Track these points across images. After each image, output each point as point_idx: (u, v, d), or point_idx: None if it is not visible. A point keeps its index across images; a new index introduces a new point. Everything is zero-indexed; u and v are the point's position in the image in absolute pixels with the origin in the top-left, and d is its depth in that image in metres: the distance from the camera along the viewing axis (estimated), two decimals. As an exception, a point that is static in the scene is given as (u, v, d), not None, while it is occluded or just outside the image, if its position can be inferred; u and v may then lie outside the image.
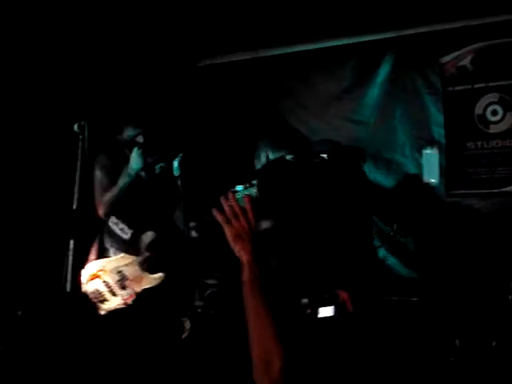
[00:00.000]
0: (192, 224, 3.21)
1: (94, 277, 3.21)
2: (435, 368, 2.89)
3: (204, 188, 3.37)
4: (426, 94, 4.40)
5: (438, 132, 4.35)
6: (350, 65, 4.69)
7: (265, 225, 2.78)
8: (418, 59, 4.44)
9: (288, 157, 3.22)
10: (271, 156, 3.37)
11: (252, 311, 1.58)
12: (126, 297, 3.14)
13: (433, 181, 4.33)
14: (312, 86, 4.83)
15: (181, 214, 3.28)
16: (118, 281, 3.18)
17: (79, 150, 3.24)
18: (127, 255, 3.26)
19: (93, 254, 3.34)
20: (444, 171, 4.30)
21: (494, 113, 4.18)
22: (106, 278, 3.19)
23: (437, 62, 4.36)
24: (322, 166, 3.27)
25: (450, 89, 4.31)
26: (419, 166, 4.39)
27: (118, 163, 3.36)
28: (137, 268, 3.21)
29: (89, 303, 3.37)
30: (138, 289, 3.19)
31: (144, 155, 3.26)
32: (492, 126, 4.19)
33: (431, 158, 4.35)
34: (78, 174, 3.22)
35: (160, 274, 3.21)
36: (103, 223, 3.39)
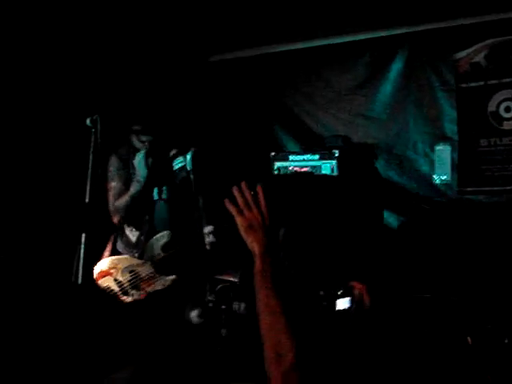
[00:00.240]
0: (209, 228, 3.14)
1: (106, 274, 3.16)
2: (447, 365, 2.88)
3: (216, 183, 3.35)
4: (439, 90, 4.38)
5: (451, 128, 4.33)
6: (363, 60, 4.67)
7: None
8: (431, 55, 4.41)
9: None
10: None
11: (263, 302, 1.57)
12: (137, 297, 3.10)
13: (445, 177, 4.31)
14: (324, 82, 4.82)
15: (199, 215, 3.25)
16: (130, 280, 3.12)
17: (91, 144, 3.25)
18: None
19: (107, 252, 3.32)
20: (456, 168, 4.28)
21: (508, 109, 4.15)
22: (117, 277, 3.13)
23: (450, 58, 4.33)
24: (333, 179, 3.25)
25: (464, 85, 4.29)
26: (431, 162, 4.37)
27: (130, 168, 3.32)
28: (150, 268, 3.14)
29: (101, 296, 3.39)
30: (150, 289, 3.12)
31: (147, 160, 3.23)
32: (505, 122, 4.16)
33: (443, 154, 4.33)
34: (90, 167, 3.23)
35: (173, 276, 3.13)
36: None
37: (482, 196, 4.21)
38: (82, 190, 3.23)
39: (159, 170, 3.30)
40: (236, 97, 4.94)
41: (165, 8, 4.14)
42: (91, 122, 3.22)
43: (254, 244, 1.62)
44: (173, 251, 3.16)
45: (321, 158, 4.35)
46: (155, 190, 3.30)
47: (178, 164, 3.34)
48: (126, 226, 3.33)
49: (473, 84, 4.28)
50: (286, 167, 4.47)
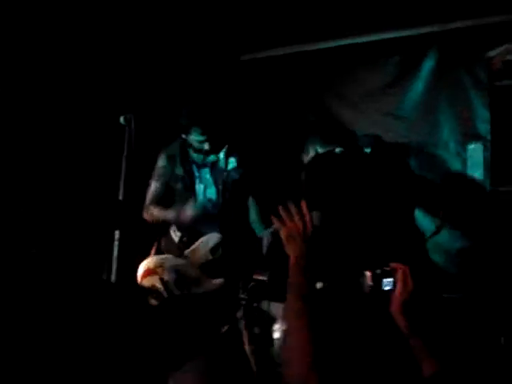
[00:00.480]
0: (266, 232, 3.09)
1: (152, 273, 3.16)
2: (481, 364, 2.86)
3: (269, 185, 3.30)
4: (471, 88, 4.32)
5: (484, 127, 4.27)
6: (394, 59, 4.64)
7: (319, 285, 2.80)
8: (463, 53, 4.36)
9: (337, 150, 3.19)
10: (320, 150, 3.33)
11: (289, 307, 1.60)
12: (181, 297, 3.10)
13: (477, 177, 4.26)
14: (355, 81, 4.80)
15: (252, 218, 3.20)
16: (176, 280, 3.10)
17: (125, 143, 3.29)
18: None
19: (153, 251, 3.32)
20: (489, 167, 4.23)
21: (542, 108, 4.10)
22: (163, 276, 3.13)
23: (483, 56, 4.28)
24: (369, 159, 3.22)
25: (497, 83, 4.23)
26: (463, 161, 4.33)
27: (186, 176, 3.27)
28: (197, 270, 3.12)
29: (136, 294, 3.43)
30: (196, 291, 3.11)
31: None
32: (540, 121, 4.11)
33: (476, 153, 4.28)
34: (123, 165, 3.26)
35: (221, 280, 3.10)
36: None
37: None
38: (116, 188, 3.28)
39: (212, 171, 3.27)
40: (267, 96, 4.94)
41: (198, 8, 4.18)
42: (125, 120, 3.26)
43: (290, 253, 1.68)
44: (222, 254, 3.13)
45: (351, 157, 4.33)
46: (200, 191, 3.27)
47: (230, 164, 3.30)
48: (170, 226, 3.33)
49: (506, 82, 4.22)
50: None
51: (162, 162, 3.38)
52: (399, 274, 1.81)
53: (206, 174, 3.30)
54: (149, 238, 3.47)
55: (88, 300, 3.31)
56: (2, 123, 3.51)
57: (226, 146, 3.29)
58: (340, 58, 4.78)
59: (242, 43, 4.87)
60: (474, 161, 4.28)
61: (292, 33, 4.62)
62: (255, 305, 3.18)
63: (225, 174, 3.29)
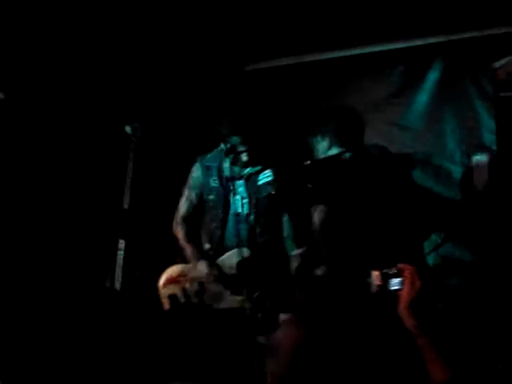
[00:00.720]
0: (297, 252, 3.02)
1: (174, 281, 3.13)
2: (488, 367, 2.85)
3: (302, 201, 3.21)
4: (476, 99, 4.32)
5: (490, 138, 4.26)
6: (398, 70, 4.64)
7: (319, 272, 2.77)
8: (468, 64, 4.36)
9: (347, 155, 3.15)
10: (333, 145, 3.24)
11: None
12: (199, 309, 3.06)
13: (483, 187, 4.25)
14: (359, 91, 4.80)
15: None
16: (197, 291, 3.06)
17: (131, 152, 3.30)
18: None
19: (179, 259, 3.27)
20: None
21: (547, 119, 4.09)
22: (185, 285, 3.10)
23: (489, 67, 4.28)
24: (376, 168, 3.19)
25: (503, 94, 4.23)
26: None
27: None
28: (220, 285, 3.06)
29: (140, 302, 3.42)
30: (216, 306, 3.06)
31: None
32: (545, 132, 4.10)
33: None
34: (129, 175, 3.27)
35: (242, 297, 3.01)
36: None
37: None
38: (122, 197, 3.28)
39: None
40: (270, 106, 4.94)
41: (201, 18, 4.19)
42: (131, 129, 3.27)
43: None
44: (247, 270, 3.04)
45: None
46: (238, 202, 3.19)
47: (264, 178, 3.25)
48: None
49: (511, 93, 4.23)
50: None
51: (197, 171, 3.30)
52: (407, 274, 1.81)
53: (241, 186, 3.22)
54: (154, 246, 3.46)
55: (89, 306, 3.31)
56: (9, 131, 3.52)
57: (264, 158, 3.20)
58: (344, 68, 4.78)
59: (246, 53, 4.88)
60: (480, 171, 4.27)
61: (295, 43, 4.63)
62: (260, 315, 3.15)
63: (259, 187, 3.20)
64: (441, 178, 4.39)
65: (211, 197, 3.22)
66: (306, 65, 4.86)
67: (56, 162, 3.77)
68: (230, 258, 3.08)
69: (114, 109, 3.94)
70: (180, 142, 3.60)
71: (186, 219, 3.31)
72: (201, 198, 3.27)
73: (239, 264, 3.05)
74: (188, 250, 3.20)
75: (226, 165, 3.18)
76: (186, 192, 3.32)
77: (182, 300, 3.08)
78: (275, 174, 3.19)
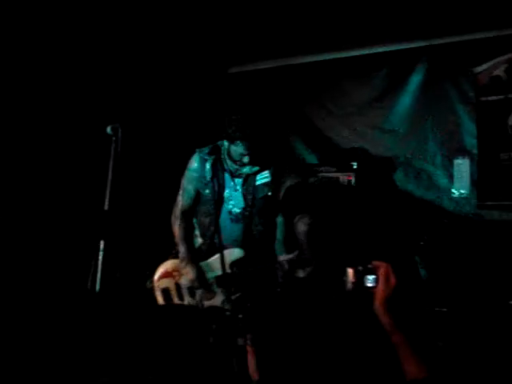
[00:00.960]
0: (286, 257, 3.00)
1: (168, 275, 3.14)
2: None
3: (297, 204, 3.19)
4: (458, 103, 4.37)
5: (471, 142, 4.30)
6: (381, 73, 4.69)
7: (301, 274, 2.78)
8: (450, 68, 4.41)
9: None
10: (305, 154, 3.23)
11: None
12: (191, 304, 3.06)
13: (463, 191, 4.28)
14: (342, 94, 4.83)
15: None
16: (190, 287, 3.07)
17: (112, 152, 3.26)
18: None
19: (173, 254, 3.25)
20: (476, 182, 4.25)
21: (528, 124, 4.13)
22: (179, 281, 3.11)
23: (470, 71, 4.32)
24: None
25: (484, 99, 4.27)
26: (450, 175, 4.36)
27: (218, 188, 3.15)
28: (212, 283, 3.06)
29: (119, 303, 3.40)
30: (207, 303, 3.06)
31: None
32: (525, 136, 4.13)
33: (462, 167, 4.31)
34: (109, 175, 3.23)
35: (235, 296, 2.97)
36: None
37: (501, 210, 4.17)
38: (103, 197, 3.25)
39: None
40: (254, 108, 4.94)
41: (185, 22, 4.19)
42: (112, 129, 3.23)
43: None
44: (240, 270, 3.02)
45: (338, 171, 4.35)
46: (231, 203, 3.19)
47: (261, 179, 3.19)
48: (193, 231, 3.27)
49: (493, 98, 4.26)
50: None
51: (195, 163, 3.28)
52: (381, 271, 1.81)
53: (239, 184, 3.22)
54: (135, 247, 3.44)
55: (69, 307, 3.29)
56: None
57: (263, 161, 3.18)
58: (328, 72, 4.81)
59: (230, 56, 4.88)
60: (461, 175, 4.31)
61: (279, 46, 4.64)
62: (240, 316, 3.14)
63: (256, 187, 3.19)
64: (422, 180, 4.43)
65: (207, 191, 3.21)
66: (288, 68, 4.88)
67: (36, 163, 3.75)
68: (225, 257, 3.04)
69: (94, 109, 3.93)
70: (161, 143, 3.58)
71: (185, 213, 3.29)
72: (198, 190, 3.26)
73: (232, 264, 3.04)
74: (181, 249, 3.20)
75: (226, 162, 3.17)
76: (184, 184, 3.30)
77: (174, 294, 3.10)
78: (272, 175, 3.19)
